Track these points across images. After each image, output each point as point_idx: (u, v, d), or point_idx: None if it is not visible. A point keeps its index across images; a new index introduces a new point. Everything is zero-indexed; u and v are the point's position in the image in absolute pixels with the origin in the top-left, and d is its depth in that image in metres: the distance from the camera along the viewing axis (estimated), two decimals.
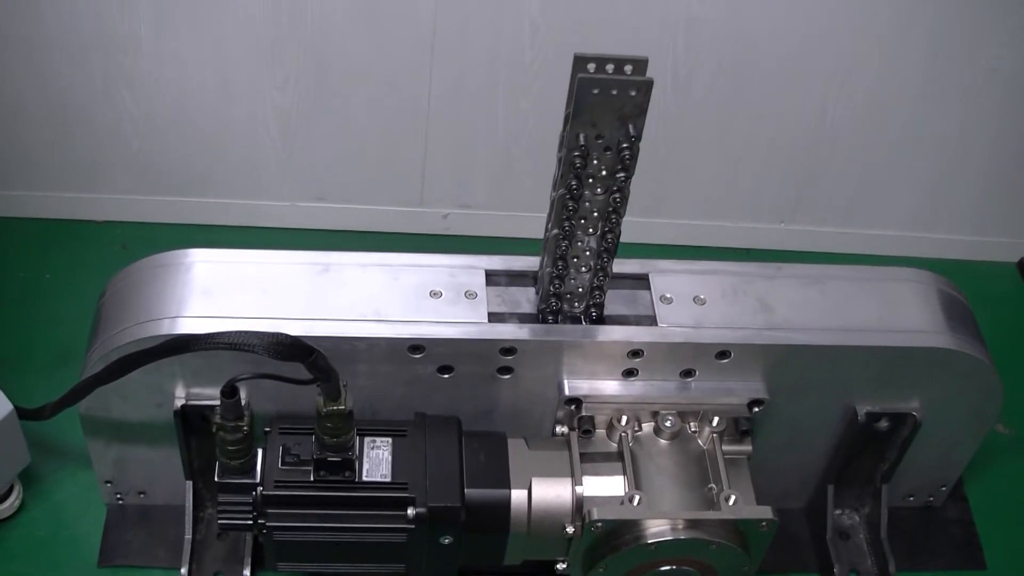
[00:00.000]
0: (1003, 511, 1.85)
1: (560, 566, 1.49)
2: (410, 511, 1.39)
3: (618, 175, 1.33)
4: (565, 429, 1.50)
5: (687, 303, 1.50)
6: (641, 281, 1.53)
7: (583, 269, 1.44)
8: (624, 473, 1.45)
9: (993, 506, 1.85)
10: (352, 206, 2.15)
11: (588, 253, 1.42)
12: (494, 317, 1.47)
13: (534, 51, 1.91)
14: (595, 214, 1.38)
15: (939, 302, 1.56)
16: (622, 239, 1.42)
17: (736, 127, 2.05)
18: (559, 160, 1.33)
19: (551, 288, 1.44)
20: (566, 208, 1.35)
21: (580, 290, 1.46)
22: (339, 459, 1.38)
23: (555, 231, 1.39)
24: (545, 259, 1.44)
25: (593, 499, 1.43)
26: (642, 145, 1.32)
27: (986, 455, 1.85)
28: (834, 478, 1.68)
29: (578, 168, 1.31)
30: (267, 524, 1.39)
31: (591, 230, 1.39)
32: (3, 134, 2.03)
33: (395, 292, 1.47)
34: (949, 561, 1.78)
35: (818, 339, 1.49)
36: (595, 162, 1.32)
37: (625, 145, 1.31)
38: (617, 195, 1.35)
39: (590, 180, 1.34)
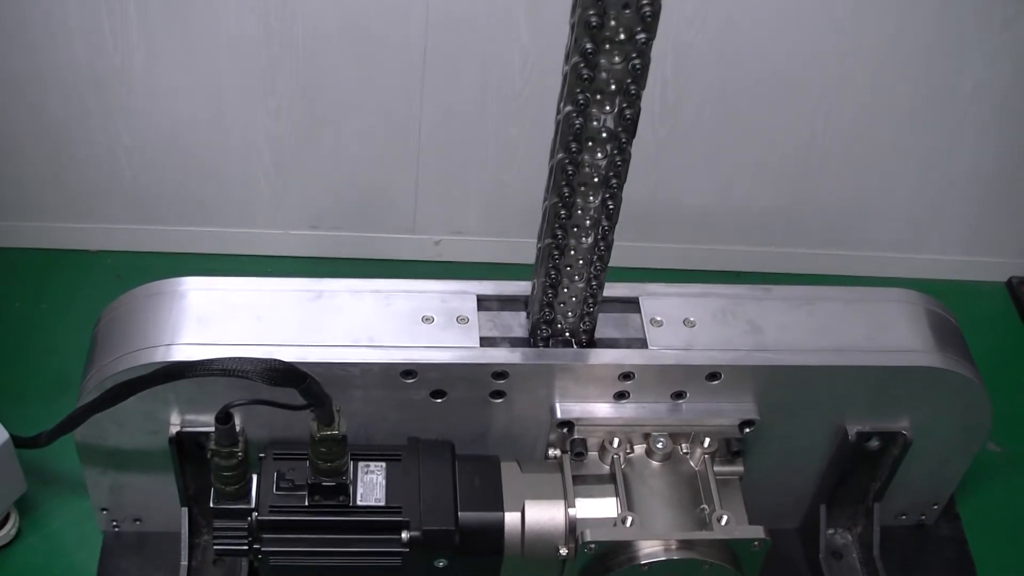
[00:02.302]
0: (996, 529, 1.86)
1: None
2: (404, 535, 1.39)
3: (638, 36, 1.20)
4: (558, 452, 1.51)
5: (677, 326, 1.51)
6: (631, 304, 1.54)
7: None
8: (616, 495, 1.46)
9: (986, 524, 1.85)
10: (345, 234, 2.17)
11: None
12: (486, 342, 1.48)
13: (524, 79, 1.93)
14: (612, 87, 1.24)
15: (928, 322, 1.57)
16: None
17: (725, 151, 2.07)
18: (571, 26, 1.21)
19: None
20: (580, 79, 1.22)
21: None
22: (333, 484, 1.38)
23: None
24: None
25: (586, 521, 1.43)
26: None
27: (978, 474, 1.86)
28: (826, 498, 1.69)
29: (594, 29, 1.18)
30: (262, 549, 1.40)
31: (607, 107, 1.26)
32: None
33: (387, 318, 1.48)
34: None
35: (808, 360, 1.50)
36: (612, 23, 1.19)
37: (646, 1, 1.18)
38: (637, 61, 1.21)
39: (607, 46, 1.21)
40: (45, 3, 1.82)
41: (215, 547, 1.43)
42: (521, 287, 1.53)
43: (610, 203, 1.37)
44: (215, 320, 1.46)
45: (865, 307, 1.57)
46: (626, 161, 1.33)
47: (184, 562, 1.60)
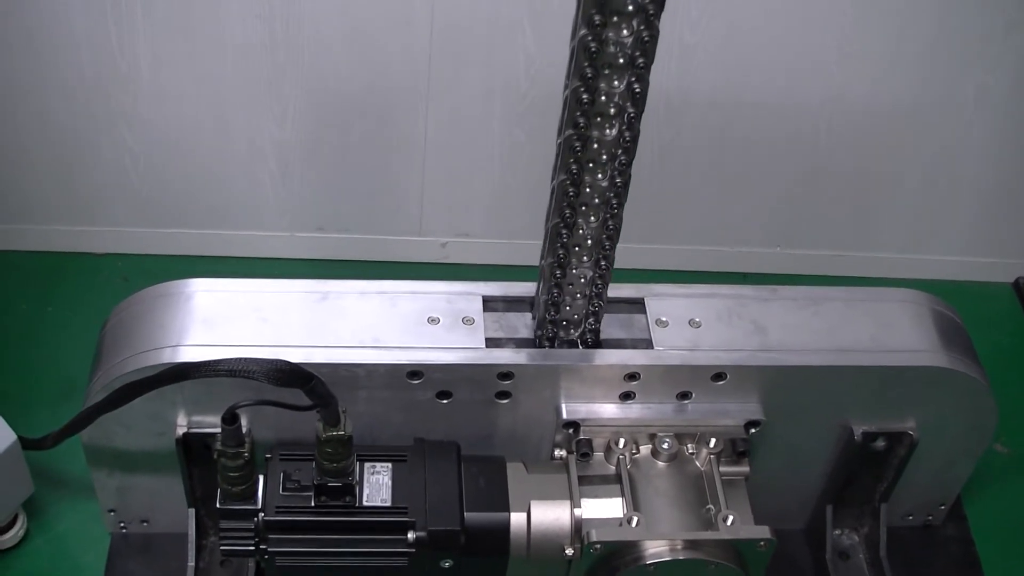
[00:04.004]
0: (1003, 530, 1.86)
1: None
2: (410, 535, 1.40)
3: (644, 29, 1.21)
4: (563, 452, 1.51)
5: (682, 326, 1.51)
6: (637, 305, 1.54)
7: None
8: (622, 495, 1.46)
9: (993, 525, 1.85)
10: (351, 236, 2.17)
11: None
12: (491, 343, 1.48)
13: (529, 81, 1.94)
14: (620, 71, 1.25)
15: (933, 322, 1.57)
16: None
17: (730, 153, 2.07)
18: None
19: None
20: (588, 51, 1.22)
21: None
22: (339, 484, 1.39)
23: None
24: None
25: (592, 521, 1.43)
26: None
27: (985, 474, 1.86)
28: (833, 498, 1.69)
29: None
30: (269, 550, 1.40)
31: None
32: (6, 169, 2.05)
33: (393, 319, 1.48)
34: None
35: (813, 360, 1.50)
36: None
37: None
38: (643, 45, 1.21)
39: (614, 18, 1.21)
40: (51, 11, 1.83)
41: (222, 548, 1.43)
42: (527, 288, 1.53)
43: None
44: (221, 321, 1.46)
45: (870, 307, 1.58)
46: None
47: (191, 563, 1.61)
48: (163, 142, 2.02)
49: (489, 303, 1.53)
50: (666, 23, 1.20)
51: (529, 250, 1.53)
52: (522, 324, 1.52)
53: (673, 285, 1.57)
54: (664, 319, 1.52)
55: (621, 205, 1.36)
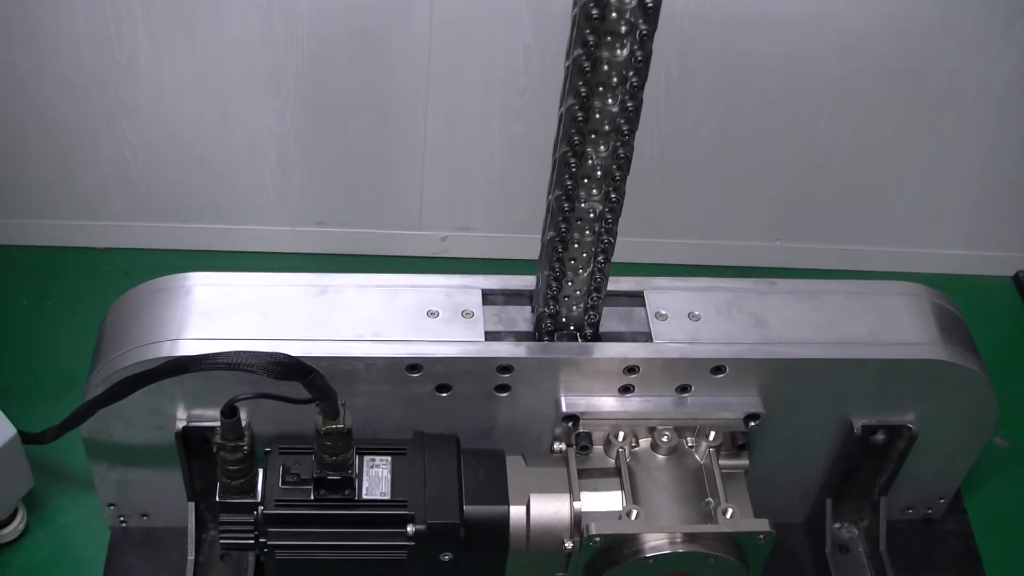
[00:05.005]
0: (1003, 524, 1.86)
1: None
2: (410, 528, 1.40)
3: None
4: (563, 446, 1.51)
5: (682, 319, 1.51)
6: (636, 298, 1.54)
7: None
8: (622, 488, 1.46)
9: (993, 519, 1.85)
10: (351, 230, 2.17)
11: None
12: (491, 336, 1.48)
13: (527, 75, 1.94)
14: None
15: (933, 314, 1.57)
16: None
17: (730, 147, 2.07)
18: None
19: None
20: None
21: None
22: (339, 478, 1.39)
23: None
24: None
25: (591, 514, 1.44)
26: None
27: (985, 468, 1.86)
28: (832, 492, 1.69)
29: None
30: (268, 543, 1.40)
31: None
32: (6, 164, 2.05)
33: (393, 312, 1.48)
34: (949, 574, 1.78)
35: (812, 353, 1.50)
36: None
37: None
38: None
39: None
40: (51, 6, 1.83)
41: (221, 542, 1.43)
42: (526, 281, 1.53)
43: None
44: (221, 315, 1.46)
45: (870, 300, 1.57)
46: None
47: (191, 557, 1.61)
48: (163, 136, 2.02)
49: (488, 296, 1.53)
50: (666, 16, 1.19)
51: (529, 244, 1.53)
52: (521, 317, 1.52)
53: (672, 278, 1.57)
54: (663, 312, 1.52)
55: (632, 132, 1.31)
